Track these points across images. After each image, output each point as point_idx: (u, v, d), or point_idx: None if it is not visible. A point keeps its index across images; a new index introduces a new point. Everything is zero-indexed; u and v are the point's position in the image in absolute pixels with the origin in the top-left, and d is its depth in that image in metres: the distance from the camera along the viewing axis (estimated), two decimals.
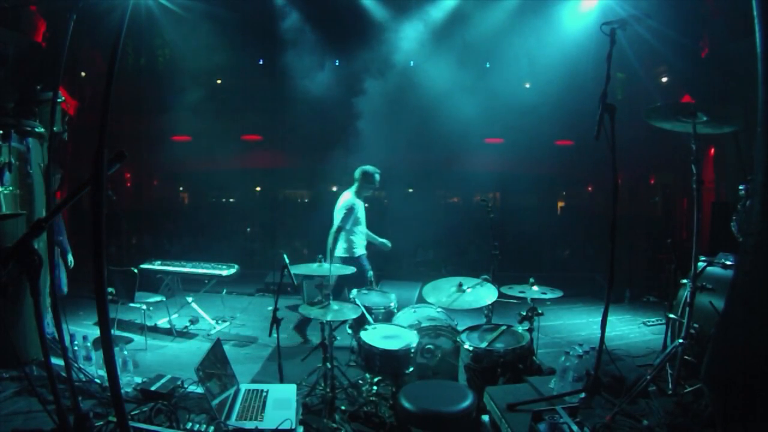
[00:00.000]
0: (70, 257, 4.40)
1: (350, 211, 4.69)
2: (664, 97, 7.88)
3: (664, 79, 8.49)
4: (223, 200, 12.53)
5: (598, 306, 6.46)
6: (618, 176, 2.58)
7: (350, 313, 3.38)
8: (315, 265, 3.93)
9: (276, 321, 3.40)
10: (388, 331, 3.43)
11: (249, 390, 2.81)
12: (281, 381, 3.35)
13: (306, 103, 8.15)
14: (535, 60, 8.14)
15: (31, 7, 5.06)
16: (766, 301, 1.92)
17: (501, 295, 3.68)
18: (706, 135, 3.34)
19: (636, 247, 7.69)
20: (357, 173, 4.88)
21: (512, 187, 11.74)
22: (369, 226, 5.03)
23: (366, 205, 4.99)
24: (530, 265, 5.71)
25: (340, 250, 4.80)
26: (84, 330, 4.62)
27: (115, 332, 4.91)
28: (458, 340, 3.35)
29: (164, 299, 5.09)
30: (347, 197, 4.80)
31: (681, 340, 3.05)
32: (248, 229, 10.45)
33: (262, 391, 2.79)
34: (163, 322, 5.28)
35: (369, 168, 4.85)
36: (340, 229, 4.69)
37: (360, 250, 4.88)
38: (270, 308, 4.23)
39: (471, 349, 3.16)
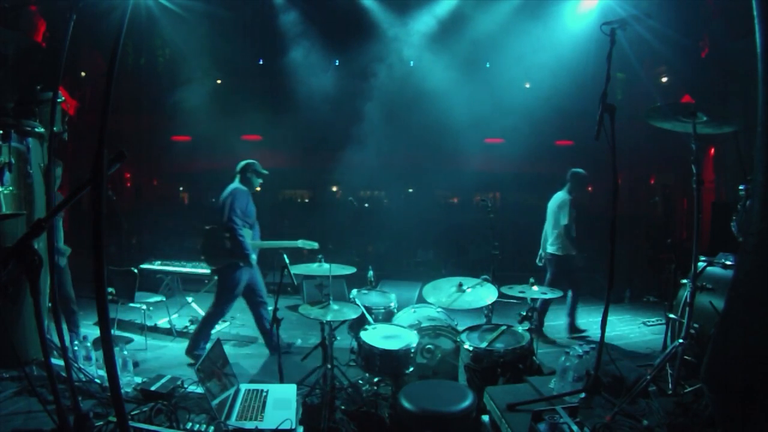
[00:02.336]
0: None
1: (572, 210, 4.91)
2: (664, 97, 7.88)
3: (664, 79, 8.49)
4: None
5: (598, 306, 6.46)
6: (618, 176, 2.58)
7: (350, 313, 3.38)
8: (315, 265, 3.93)
9: (276, 321, 3.40)
10: (388, 331, 3.43)
11: (249, 390, 2.80)
12: (281, 381, 3.35)
13: (306, 103, 8.16)
14: (535, 60, 8.14)
15: (31, 7, 5.06)
16: (766, 301, 1.92)
17: (501, 295, 3.68)
18: (706, 135, 3.34)
19: (636, 247, 7.69)
20: (568, 175, 5.16)
21: (512, 187, 11.74)
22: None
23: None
24: (530, 265, 5.72)
25: (554, 249, 5.04)
26: (84, 330, 4.62)
27: (115, 332, 4.91)
28: (458, 340, 3.35)
29: (164, 299, 5.09)
30: (563, 198, 5.04)
31: (681, 340, 3.04)
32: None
33: (262, 391, 2.78)
34: (163, 322, 5.28)
35: (579, 170, 5.12)
36: (568, 228, 4.94)
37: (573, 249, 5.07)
38: (270, 308, 4.23)
39: (471, 349, 3.16)
